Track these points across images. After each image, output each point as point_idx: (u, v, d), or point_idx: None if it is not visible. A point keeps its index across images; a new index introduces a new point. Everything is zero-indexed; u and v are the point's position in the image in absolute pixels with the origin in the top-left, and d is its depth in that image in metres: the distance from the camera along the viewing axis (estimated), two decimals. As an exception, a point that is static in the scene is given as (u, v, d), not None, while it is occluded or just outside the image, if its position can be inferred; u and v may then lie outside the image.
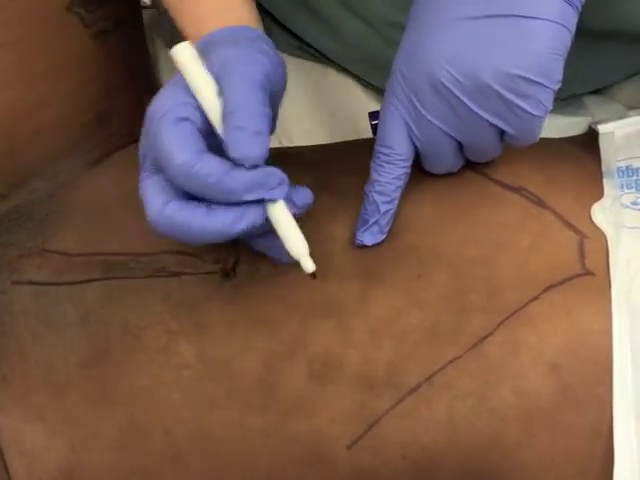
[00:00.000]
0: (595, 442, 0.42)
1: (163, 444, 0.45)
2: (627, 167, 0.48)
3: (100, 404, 0.46)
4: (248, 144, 0.39)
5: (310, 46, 0.64)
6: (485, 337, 0.43)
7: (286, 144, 0.65)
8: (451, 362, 0.43)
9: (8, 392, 0.47)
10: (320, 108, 0.63)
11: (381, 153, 0.46)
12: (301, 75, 0.64)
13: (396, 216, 0.47)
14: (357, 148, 0.54)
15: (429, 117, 0.44)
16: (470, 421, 0.42)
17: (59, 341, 0.48)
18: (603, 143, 0.50)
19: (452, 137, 0.45)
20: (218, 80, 0.41)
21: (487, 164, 0.49)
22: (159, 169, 0.41)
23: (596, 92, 0.62)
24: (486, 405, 0.42)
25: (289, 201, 0.42)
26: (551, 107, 0.43)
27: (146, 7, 0.67)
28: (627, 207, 0.46)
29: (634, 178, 0.47)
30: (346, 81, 0.65)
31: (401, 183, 0.46)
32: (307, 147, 0.57)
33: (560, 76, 0.42)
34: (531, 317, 0.43)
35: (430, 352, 0.43)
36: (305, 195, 0.43)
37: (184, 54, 0.41)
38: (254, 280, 0.47)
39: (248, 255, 0.48)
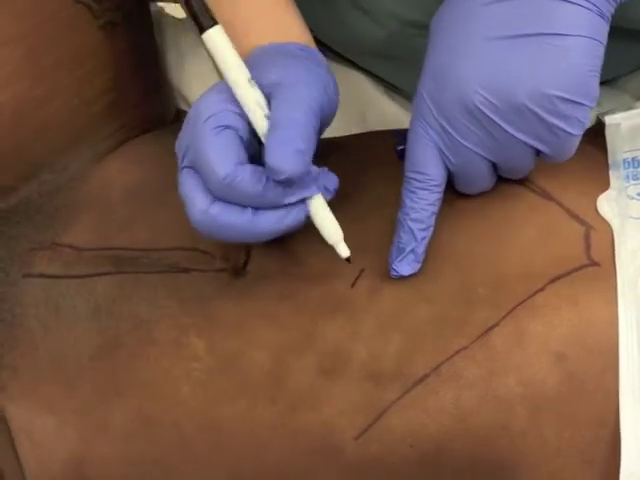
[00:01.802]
0: (601, 431, 0.42)
1: (172, 435, 0.45)
2: (633, 158, 0.48)
3: (110, 395, 0.46)
4: (291, 160, 0.40)
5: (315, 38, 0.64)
6: (491, 327, 0.43)
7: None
8: (458, 352, 0.43)
9: (18, 383, 0.48)
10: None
11: (414, 179, 0.44)
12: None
13: None
14: (369, 140, 0.55)
15: (463, 142, 0.42)
16: (476, 410, 0.42)
17: (70, 333, 0.48)
18: (609, 135, 0.50)
19: (487, 159, 0.44)
20: (272, 95, 0.42)
21: None
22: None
23: (604, 83, 0.62)
24: (492, 394, 0.42)
25: (323, 188, 0.43)
26: (588, 124, 0.42)
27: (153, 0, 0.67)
28: (633, 198, 0.46)
29: (640, 169, 0.48)
30: (352, 72, 0.65)
31: (435, 209, 0.45)
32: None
33: (597, 93, 0.41)
34: (537, 308, 0.43)
35: (437, 344, 0.43)
36: (334, 180, 0.44)
37: (217, 39, 0.41)
38: (264, 278, 0.48)
39: (258, 253, 0.49)
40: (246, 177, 0.40)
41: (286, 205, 0.42)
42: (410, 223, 0.45)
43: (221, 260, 0.49)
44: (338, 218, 0.44)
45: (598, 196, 0.47)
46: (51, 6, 0.52)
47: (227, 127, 0.41)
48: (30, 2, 0.51)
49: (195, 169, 0.42)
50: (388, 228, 0.47)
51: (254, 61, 0.44)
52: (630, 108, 0.51)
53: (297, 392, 0.44)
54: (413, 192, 0.44)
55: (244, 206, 0.41)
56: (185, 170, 0.43)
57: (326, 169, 0.44)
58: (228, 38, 0.42)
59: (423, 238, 0.45)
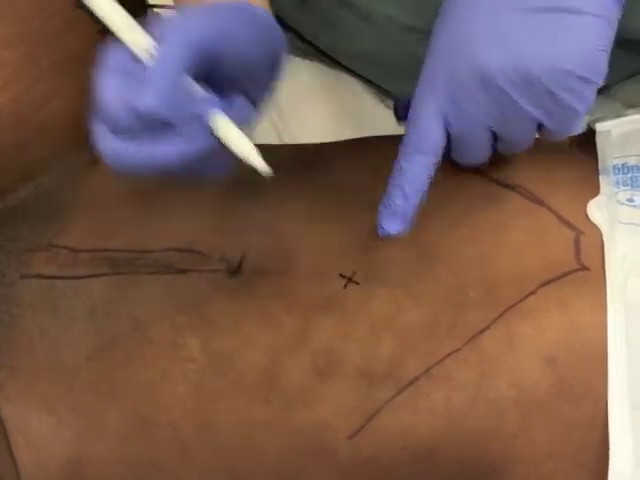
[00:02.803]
0: (590, 434, 0.42)
1: (169, 435, 0.46)
2: (623, 165, 0.49)
3: (107, 396, 0.47)
4: (151, 91, 0.38)
5: (311, 44, 0.64)
6: (483, 330, 0.44)
7: (288, 142, 0.66)
8: (449, 355, 0.43)
9: (15, 383, 0.48)
10: (322, 106, 0.64)
11: (412, 141, 0.44)
12: (302, 74, 0.65)
13: None
14: (364, 146, 0.55)
15: (470, 108, 0.43)
16: (467, 413, 0.43)
17: (67, 334, 0.48)
18: (600, 141, 0.51)
19: (489, 128, 0.44)
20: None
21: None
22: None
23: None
24: (483, 397, 0.43)
25: (218, 109, 0.40)
26: (593, 102, 0.43)
27: (150, 6, 0.67)
28: (623, 204, 0.47)
29: (629, 175, 0.48)
30: (346, 78, 0.65)
31: (430, 173, 0.44)
32: (312, 145, 0.57)
33: (606, 71, 0.42)
34: (528, 311, 0.44)
35: (429, 346, 0.44)
36: (243, 109, 0.41)
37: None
38: (258, 278, 0.48)
39: (253, 254, 0.49)
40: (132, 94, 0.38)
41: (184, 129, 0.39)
42: (403, 183, 0.44)
43: (216, 261, 0.49)
44: (342, 219, 0.45)
45: (588, 201, 0.47)
46: (52, 8, 0.52)
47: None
48: (30, 4, 0.51)
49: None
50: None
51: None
52: (620, 116, 0.52)
53: (291, 391, 0.45)
54: (410, 153, 0.44)
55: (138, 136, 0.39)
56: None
57: (242, 98, 0.41)
58: None
59: (415, 200, 0.44)
